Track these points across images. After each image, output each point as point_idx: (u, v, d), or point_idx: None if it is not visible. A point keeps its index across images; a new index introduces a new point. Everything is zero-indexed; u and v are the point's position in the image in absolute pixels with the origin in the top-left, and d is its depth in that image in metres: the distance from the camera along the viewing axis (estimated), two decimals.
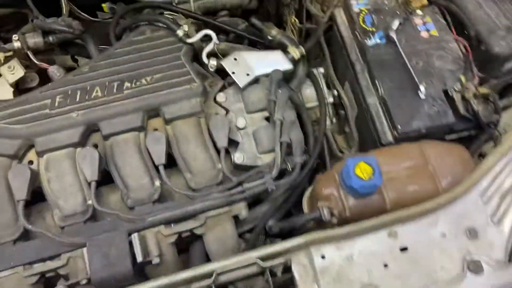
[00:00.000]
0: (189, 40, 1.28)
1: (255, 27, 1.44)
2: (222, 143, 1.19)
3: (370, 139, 1.30)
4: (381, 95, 1.25)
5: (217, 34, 1.58)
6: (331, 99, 1.41)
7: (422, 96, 1.20)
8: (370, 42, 1.32)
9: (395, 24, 1.30)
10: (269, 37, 1.40)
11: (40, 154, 1.18)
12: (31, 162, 1.21)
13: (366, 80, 1.30)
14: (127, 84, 1.22)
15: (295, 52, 1.31)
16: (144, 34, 1.30)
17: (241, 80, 1.26)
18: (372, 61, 1.29)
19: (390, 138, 1.21)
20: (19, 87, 1.35)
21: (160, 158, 1.17)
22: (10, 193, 1.14)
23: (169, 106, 1.22)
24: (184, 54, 1.27)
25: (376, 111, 1.26)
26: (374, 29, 1.34)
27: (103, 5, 1.52)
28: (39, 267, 1.05)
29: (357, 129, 1.40)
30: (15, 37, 1.24)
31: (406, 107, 1.20)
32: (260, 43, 1.50)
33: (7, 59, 1.27)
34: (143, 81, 1.23)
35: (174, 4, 1.57)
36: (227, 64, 1.26)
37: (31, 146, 1.20)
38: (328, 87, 1.47)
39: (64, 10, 1.40)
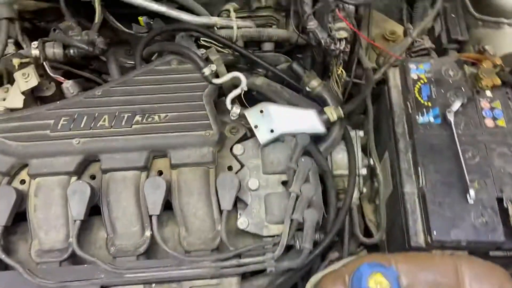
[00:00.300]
0: (215, 81, 1.15)
1: (295, 73, 1.28)
2: (227, 205, 1.06)
3: (399, 232, 1.11)
4: (421, 186, 1.06)
5: (255, 69, 1.45)
6: (364, 171, 1.24)
7: (470, 200, 1.00)
8: (421, 118, 1.13)
9: (456, 104, 1.11)
10: (308, 88, 1.24)
11: (32, 176, 1.09)
12: (23, 182, 1.13)
13: (408, 163, 1.12)
14: (137, 118, 1.11)
15: (332, 114, 1.15)
16: (170, 64, 1.18)
17: (263, 136, 1.12)
18: (420, 143, 1.10)
19: (421, 242, 1.03)
20: (34, 94, 1.27)
21: (155, 208, 1.05)
22: None
23: (178, 150, 1.10)
24: (207, 95, 1.14)
25: (412, 204, 1.08)
26: (429, 104, 1.15)
27: (140, 18, 1.42)
28: None
29: (387, 212, 1.21)
30: (34, 44, 1.16)
31: (448, 209, 1.02)
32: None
33: (22, 65, 1.18)
34: (156, 117, 1.11)
35: (216, 28, 1.45)
36: (251, 116, 1.12)
37: (26, 165, 1.10)
38: (365, 152, 1.29)
39: (97, 18, 1.31)
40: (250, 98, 1.32)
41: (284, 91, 1.37)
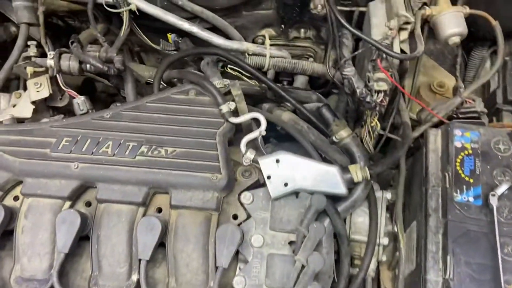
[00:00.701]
0: (232, 120, 1.05)
1: (323, 118, 1.15)
2: (223, 262, 0.95)
3: None
4: (447, 277, 0.91)
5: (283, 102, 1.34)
6: (385, 241, 1.10)
7: None
8: (460, 196, 0.99)
9: (503, 187, 0.96)
10: (336, 138, 1.11)
11: (25, 195, 1.02)
12: (16, 198, 1.08)
13: (437, 245, 0.98)
14: (143, 149, 1.03)
15: (357, 174, 1.02)
16: (187, 94, 1.09)
17: (276, 189, 1.01)
18: (453, 226, 0.97)
19: None
20: (47, 103, 1.21)
21: (145, 252, 0.97)
22: None
23: (180, 191, 1.01)
24: (221, 133, 1.05)
25: None
26: (471, 181, 1.00)
27: (169, 35, 1.34)
28: None
29: None
30: (50, 54, 1.10)
31: None
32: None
33: (36, 74, 1.12)
34: (162, 151, 1.02)
35: (248, 54, 1.35)
36: (265, 164, 1.01)
37: (20, 182, 1.04)
38: (390, 216, 1.15)
39: (123, 31, 1.24)
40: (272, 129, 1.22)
41: (310, 133, 1.26)
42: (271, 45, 1.40)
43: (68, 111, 1.30)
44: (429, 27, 1.14)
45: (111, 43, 1.30)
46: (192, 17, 1.37)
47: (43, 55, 1.35)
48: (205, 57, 1.30)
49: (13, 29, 1.40)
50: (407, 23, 1.02)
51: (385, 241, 1.11)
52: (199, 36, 1.32)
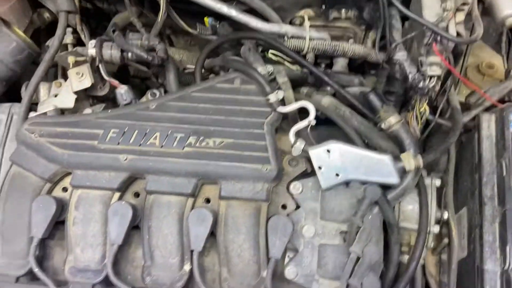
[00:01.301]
0: (280, 109, 1.03)
1: (370, 105, 1.12)
2: (276, 253, 0.95)
3: None
4: (506, 268, 0.90)
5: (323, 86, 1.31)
6: (436, 228, 1.08)
7: None
8: None
9: None
10: (384, 124, 1.08)
11: (74, 187, 1.03)
12: (65, 189, 1.09)
13: (494, 235, 0.96)
14: (190, 140, 1.02)
15: (410, 163, 1.00)
16: (232, 83, 1.06)
17: (327, 180, 0.99)
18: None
19: None
20: (87, 92, 1.20)
21: (198, 243, 0.98)
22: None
23: (230, 182, 1.00)
24: (269, 123, 1.03)
25: (493, 285, 0.91)
26: None
27: (206, 19, 1.30)
28: None
29: (458, 278, 1.06)
30: (91, 43, 1.08)
31: None
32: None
33: (77, 63, 1.11)
34: (210, 142, 1.01)
35: (287, 37, 1.31)
36: (316, 155, 0.99)
37: (69, 172, 1.04)
38: (439, 205, 1.13)
39: (160, 17, 1.21)
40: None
41: (353, 118, 1.22)
42: (310, 26, 1.36)
43: (107, 99, 1.29)
44: (483, 7, 1.09)
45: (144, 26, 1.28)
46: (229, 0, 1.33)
47: (79, 41, 1.34)
48: (245, 42, 1.26)
49: (46, 15, 1.38)
50: (464, 3, 0.98)
51: (435, 229, 1.09)
52: (237, 20, 1.29)
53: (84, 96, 1.24)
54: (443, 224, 1.16)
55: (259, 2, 1.32)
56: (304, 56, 1.34)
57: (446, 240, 1.16)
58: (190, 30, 1.34)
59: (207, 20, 1.32)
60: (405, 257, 1.12)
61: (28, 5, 1.28)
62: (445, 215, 1.14)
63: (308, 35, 1.33)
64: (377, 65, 1.49)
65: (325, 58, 1.46)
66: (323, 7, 1.34)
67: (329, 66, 1.51)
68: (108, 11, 1.53)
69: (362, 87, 1.32)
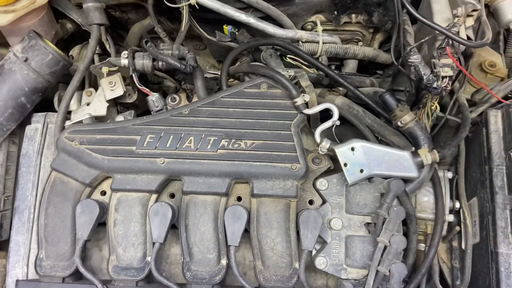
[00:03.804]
0: (306, 111, 1.09)
1: (385, 104, 1.20)
2: (309, 245, 1.03)
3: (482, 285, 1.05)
4: None
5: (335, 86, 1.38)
6: (451, 218, 1.16)
7: None
8: None
9: None
10: (400, 123, 1.16)
11: (114, 190, 1.08)
12: (103, 193, 1.14)
13: (505, 221, 1.04)
14: (223, 143, 1.08)
15: (427, 157, 1.08)
16: (259, 87, 1.12)
17: (352, 176, 1.07)
18: None
19: None
20: (115, 99, 1.25)
21: (234, 238, 1.04)
22: (74, 222, 1.07)
23: (261, 181, 1.07)
24: (295, 124, 1.10)
25: (507, 267, 1.00)
26: None
27: (225, 26, 1.36)
28: None
29: (473, 264, 1.14)
30: (124, 54, 1.13)
31: None
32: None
33: (109, 73, 1.16)
34: (242, 144, 1.07)
35: (301, 42, 1.38)
36: (341, 153, 1.07)
37: (108, 177, 1.10)
38: (451, 196, 1.21)
39: (183, 26, 1.27)
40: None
41: (366, 116, 1.30)
42: (322, 30, 1.43)
43: (134, 105, 1.34)
44: (488, 11, 1.17)
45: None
46: (245, 7, 1.39)
47: (104, 51, 1.38)
48: (265, 48, 1.33)
49: (69, 26, 1.42)
50: (474, 10, 1.05)
51: (450, 217, 1.18)
52: (255, 27, 1.35)
53: (113, 104, 1.29)
54: (455, 212, 1.25)
55: (275, 9, 1.38)
56: (317, 59, 1.41)
57: (457, 228, 1.24)
58: (209, 37, 1.40)
59: (227, 28, 1.37)
60: (421, 245, 1.20)
61: (53, 17, 1.32)
62: (457, 205, 1.22)
63: (321, 39, 1.40)
64: (384, 65, 1.57)
65: (335, 60, 1.54)
66: (336, 13, 1.40)
67: (338, 67, 1.59)
68: (120, 19, 1.58)
69: (374, 88, 1.40)
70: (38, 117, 1.20)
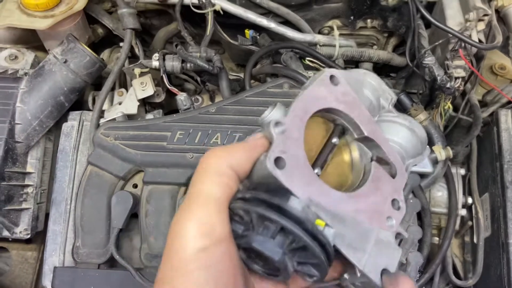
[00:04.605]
0: None
1: (401, 104, 1.26)
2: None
3: (495, 280, 1.10)
4: None
5: None
6: (463, 212, 1.22)
7: None
8: None
9: None
10: None
11: (146, 183, 1.15)
12: (135, 186, 1.21)
13: None
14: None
15: (441, 154, 1.13)
16: (281, 87, 1.19)
17: None
18: None
19: None
20: (145, 99, 1.32)
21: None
22: (109, 213, 1.14)
23: None
24: None
25: None
26: None
27: (246, 31, 1.44)
28: None
29: (484, 256, 1.19)
30: (155, 56, 1.21)
31: None
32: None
33: (141, 74, 1.24)
34: None
35: (319, 45, 1.45)
36: None
37: (140, 170, 1.17)
38: (463, 191, 1.27)
39: (208, 31, 1.34)
40: None
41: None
42: (338, 35, 1.50)
43: (161, 105, 1.42)
44: (498, 16, 1.23)
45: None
46: (266, 13, 1.47)
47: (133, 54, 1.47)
48: (285, 51, 1.40)
49: (100, 30, 1.51)
50: (485, 15, 1.12)
51: (463, 212, 1.23)
52: (275, 31, 1.42)
53: (141, 103, 1.37)
54: (467, 208, 1.30)
55: (294, 15, 1.46)
56: (334, 62, 1.48)
57: (469, 223, 1.30)
58: (232, 41, 1.47)
59: (248, 32, 1.45)
60: (435, 239, 1.26)
61: (87, 23, 1.40)
62: (469, 200, 1.28)
63: (338, 43, 1.47)
64: (397, 68, 1.64)
65: (351, 63, 1.61)
66: (352, 18, 1.47)
67: None
68: (144, 24, 1.67)
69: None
70: (74, 115, 1.28)
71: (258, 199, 0.51)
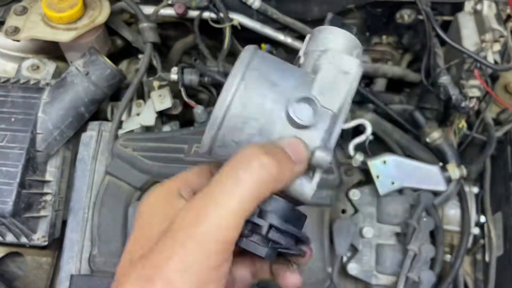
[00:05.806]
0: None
1: (415, 121, 1.28)
2: (342, 251, 1.10)
3: None
4: None
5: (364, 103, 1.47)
6: (476, 230, 1.23)
7: None
8: None
9: None
10: (428, 139, 1.23)
11: None
12: None
13: None
14: None
15: (455, 172, 1.15)
16: None
17: (384, 187, 1.14)
18: None
19: None
20: (162, 111, 1.35)
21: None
22: (125, 222, 1.17)
23: None
24: None
25: None
26: None
27: (263, 45, 1.46)
28: None
29: (496, 275, 1.20)
30: (174, 70, 1.24)
31: None
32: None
33: (160, 87, 1.27)
34: None
35: None
36: (374, 166, 1.15)
37: (155, 181, 1.20)
38: (476, 210, 1.28)
39: (226, 44, 1.37)
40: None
41: (395, 132, 1.38)
42: None
43: (177, 117, 1.45)
44: None
45: None
46: (282, 28, 1.49)
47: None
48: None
49: (118, 42, 1.54)
50: (501, 36, 1.13)
51: (475, 230, 1.24)
52: (291, 46, 1.45)
53: (158, 115, 1.40)
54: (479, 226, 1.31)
55: (309, 30, 1.47)
56: None
57: (481, 241, 1.30)
58: None
59: (265, 46, 1.48)
60: (447, 256, 1.27)
61: (108, 35, 1.44)
62: (482, 219, 1.28)
63: None
64: (411, 84, 1.65)
65: (366, 78, 1.62)
66: (367, 34, 1.49)
67: (367, 85, 1.67)
68: (160, 35, 1.70)
69: (403, 105, 1.48)
70: (93, 125, 1.31)
71: None
